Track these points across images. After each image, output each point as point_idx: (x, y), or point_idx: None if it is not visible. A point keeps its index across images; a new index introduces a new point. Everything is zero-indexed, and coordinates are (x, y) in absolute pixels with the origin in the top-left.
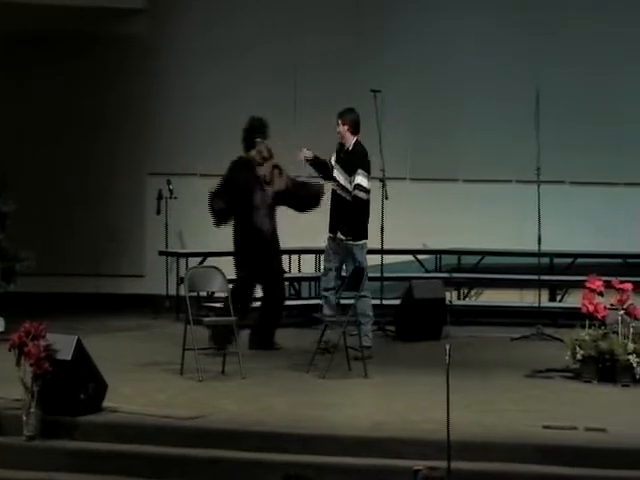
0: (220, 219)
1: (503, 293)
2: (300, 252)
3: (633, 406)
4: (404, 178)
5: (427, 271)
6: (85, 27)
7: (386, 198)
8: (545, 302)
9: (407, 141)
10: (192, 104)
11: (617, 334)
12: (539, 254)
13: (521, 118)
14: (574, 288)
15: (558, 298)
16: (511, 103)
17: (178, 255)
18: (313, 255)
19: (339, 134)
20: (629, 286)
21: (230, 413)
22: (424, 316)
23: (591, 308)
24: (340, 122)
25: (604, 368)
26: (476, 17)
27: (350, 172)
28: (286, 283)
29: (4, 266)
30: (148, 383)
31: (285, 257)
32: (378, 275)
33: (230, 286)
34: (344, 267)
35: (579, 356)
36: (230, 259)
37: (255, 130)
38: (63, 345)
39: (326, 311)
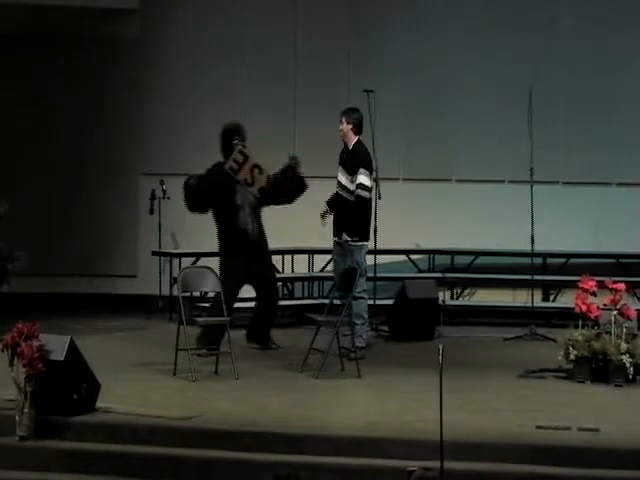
0: (192, 200)
1: (496, 293)
2: (293, 252)
3: (626, 406)
4: (397, 178)
5: (420, 271)
6: (78, 27)
7: (379, 198)
8: (538, 302)
9: (400, 141)
10: (186, 104)
11: (610, 334)
12: (532, 254)
13: (514, 118)
14: (567, 288)
15: (551, 298)
16: (504, 103)
17: (171, 255)
18: (306, 255)
19: (341, 132)
20: (622, 286)
21: (223, 413)
22: (417, 316)
23: (584, 308)
24: (344, 120)
25: (597, 368)
26: (470, 18)
27: (352, 171)
28: (279, 283)
29: None
30: (141, 383)
31: (278, 257)
32: (371, 275)
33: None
34: None
35: (572, 356)
36: None
37: (231, 133)
38: (56, 345)
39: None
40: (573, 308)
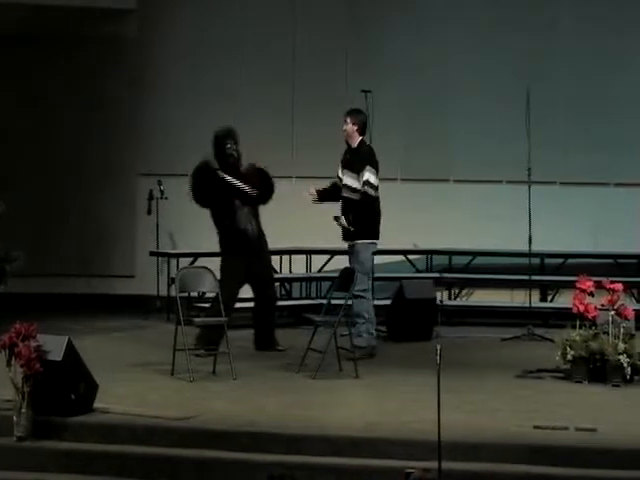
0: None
1: (494, 293)
2: (291, 252)
3: (623, 406)
4: (395, 178)
5: (418, 271)
6: (76, 28)
7: None
8: (536, 302)
9: (398, 141)
10: (184, 104)
11: (608, 334)
12: (530, 254)
13: (512, 119)
14: (565, 288)
15: (549, 298)
16: (503, 103)
17: (169, 255)
18: (304, 255)
19: (345, 132)
20: (620, 286)
21: (221, 413)
22: (415, 316)
23: (582, 308)
24: (349, 120)
25: (595, 368)
26: (469, 18)
27: (358, 170)
28: (277, 284)
29: None
30: (139, 383)
31: (276, 257)
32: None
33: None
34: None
35: (570, 356)
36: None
37: (223, 138)
38: (54, 346)
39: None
40: (571, 308)
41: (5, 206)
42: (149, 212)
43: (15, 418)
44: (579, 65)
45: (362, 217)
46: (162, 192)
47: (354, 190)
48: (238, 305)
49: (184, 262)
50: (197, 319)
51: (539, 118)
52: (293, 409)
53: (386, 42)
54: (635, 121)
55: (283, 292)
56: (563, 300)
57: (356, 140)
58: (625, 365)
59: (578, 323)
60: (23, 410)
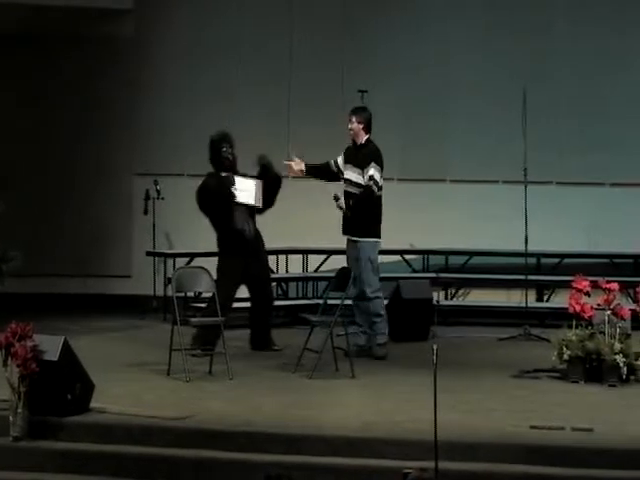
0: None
1: (490, 293)
2: (287, 252)
3: (620, 406)
4: (392, 178)
5: (414, 271)
6: (72, 28)
7: None
8: (532, 302)
9: (395, 141)
10: (181, 104)
11: (604, 334)
12: (526, 254)
13: (508, 119)
14: (561, 288)
15: (545, 298)
16: (499, 104)
17: (165, 255)
18: (300, 255)
19: (351, 130)
20: (616, 286)
21: (218, 413)
22: (411, 316)
23: (578, 308)
24: (355, 119)
25: (591, 368)
26: (465, 18)
27: (363, 166)
28: (273, 283)
29: None
30: (135, 383)
31: (272, 257)
32: None
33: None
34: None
35: (566, 356)
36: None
37: (219, 142)
38: (50, 346)
39: (359, 320)
40: (567, 308)
41: (5, 206)
42: (145, 212)
43: (11, 418)
44: (575, 66)
45: (366, 213)
46: (158, 192)
47: (357, 185)
48: (235, 305)
49: (180, 262)
50: (193, 319)
51: (535, 118)
52: (290, 409)
53: (382, 42)
54: (631, 121)
55: (279, 292)
56: (559, 300)
57: (362, 138)
58: (621, 365)
59: (574, 323)
60: (19, 410)
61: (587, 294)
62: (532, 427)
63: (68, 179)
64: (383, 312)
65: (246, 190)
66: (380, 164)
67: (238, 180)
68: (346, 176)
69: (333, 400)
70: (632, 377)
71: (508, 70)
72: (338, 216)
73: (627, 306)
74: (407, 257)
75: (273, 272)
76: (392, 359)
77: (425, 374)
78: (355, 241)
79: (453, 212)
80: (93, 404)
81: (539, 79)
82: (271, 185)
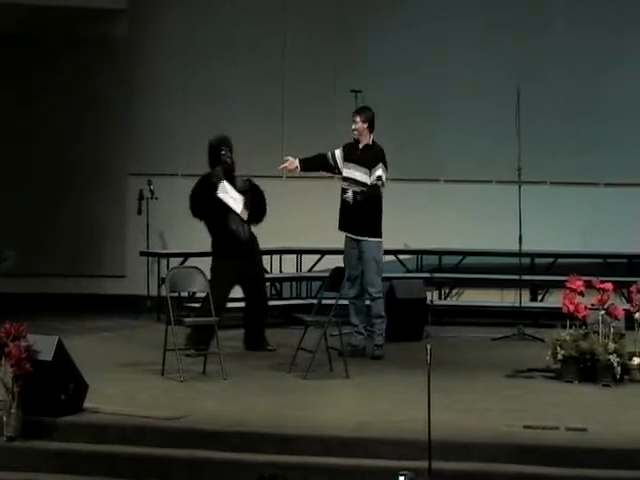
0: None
1: (484, 293)
2: (281, 252)
3: (614, 406)
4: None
5: (408, 271)
6: (66, 27)
7: None
8: (526, 302)
9: (388, 141)
10: (175, 104)
11: (598, 334)
12: (520, 254)
13: (503, 119)
14: (555, 288)
15: (539, 298)
16: (493, 104)
17: (159, 255)
18: (294, 255)
19: (356, 131)
20: (609, 286)
21: (211, 413)
22: (405, 316)
23: (572, 308)
24: (359, 119)
25: (585, 368)
26: (459, 18)
27: (371, 166)
28: (267, 283)
29: None
30: (129, 383)
31: (266, 257)
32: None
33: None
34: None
35: (560, 356)
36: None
37: (218, 146)
38: (44, 346)
39: (354, 320)
40: (561, 308)
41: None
42: (139, 212)
43: (5, 418)
44: (573, 66)
45: (371, 212)
46: (152, 192)
47: (363, 185)
48: (229, 305)
49: (174, 262)
50: (187, 319)
51: (530, 118)
52: (284, 409)
53: (375, 43)
54: (625, 121)
55: (273, 292)
56: (553, 300)
57: (367, 137)
58: (615, 365)
59: (568, 323)
60: (13, 410)
61: (581, 294)
62: (526, 427)
63: (62, 179)
64: (384, 313)
65: (235, 198)
66: (386, 165)
67: (229, 188)
68: (348, 175)
69: (327, 400)
70: (626, 377)
71: (505, 70)
72: (332, 216)
73: (621, 306)
74: (401, 257)
75: (267, 272)
76: (386, 359)
77: (419, 374)
78: (358, 240)
79: (447, 212)
80: (87, 404)
81: (536, 79)
82: (256, 202)
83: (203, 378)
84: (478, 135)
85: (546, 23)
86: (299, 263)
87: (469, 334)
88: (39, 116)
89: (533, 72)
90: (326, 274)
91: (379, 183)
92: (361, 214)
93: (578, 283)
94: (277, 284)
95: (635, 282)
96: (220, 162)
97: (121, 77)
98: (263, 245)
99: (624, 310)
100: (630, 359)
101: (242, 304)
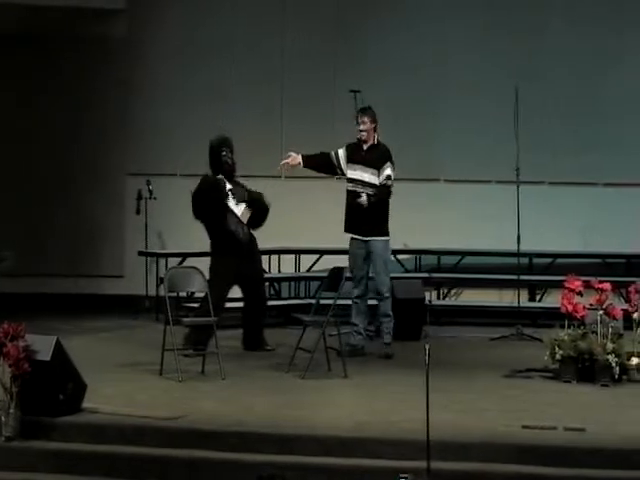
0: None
1: (482, 293)
2: (280, 252)
3: (612, 406)
4: None
5: (407, 271)
6: (65, 28)
7: None
8: (524, 302)
9: (388, 141)
10: (173, 104)
11: (596, 334)
12: (518, 254)
13: (502, 119)
14: (553, 288)
15: (537, 298)
16: (493, 104)
17: (158, 255)
18: (293, 255)
19: (365, 132)
20: (608, 286)
21: (210, 413)
22: (404, 316)
23: (570, 308)
24: (367, 120)
25: (583, 368)
26: (459, 18)
27: (378, 166)
28: (266, 283)
29: None
30: (128, 384)
31: (265, 257)
32: None
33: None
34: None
35: (558, 356)
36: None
37: (219, 147)
38: (42, 346)
39: (354, 320)
40: (559, 308)
41: None
42: (138, 212)
43: (3, 418)
44: (573, 66)
45: (380, 213)
46: (151, 192)
47: (371, 185)
48: (228, 305)
49: (173, 262)
50: (186, 319)
51: (529, 118)
52: (282, 409)
53: (375, 42)
54: (624, 121)
55: (272, 292)
56: (552, 300)
57: (374, 137)
58: (613, 365)
59: (567, 323)
60: (11, 410)
61: (579, 294)
62: (524, 427)
63: (61, 179)
64: (391, 312)
65: (237, 203)
66: (393, 163)
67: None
68: (354, 176)
69: (326, 400)
70: (624, 377)
71: (505, 70)
72: (331, 216)
73: (619, 306)
74: (400, 257)
75: (266, 272)
76: (384, 359)
77: (418, 374)
78: (366, 240)
79: (446, 212)
80: (85, 404)
81: (536, 79)
82: (258, 214)
83: (202, 378)
84: (478, 135)
85: (546, 23)
86: (298, 263)
87: (467, 334)
88: (39, 116)
89: (533, 72)
90: (325, 274)
91: (389, 182)
92: (370, 215)
93: (576, 283)
94: (276, 284)
95: (634, 282)
96: (221, 163)
97: (120, 77)
98: (262, 245)
99: (622, 310)
100: (628, 359)
101: (241, 304)
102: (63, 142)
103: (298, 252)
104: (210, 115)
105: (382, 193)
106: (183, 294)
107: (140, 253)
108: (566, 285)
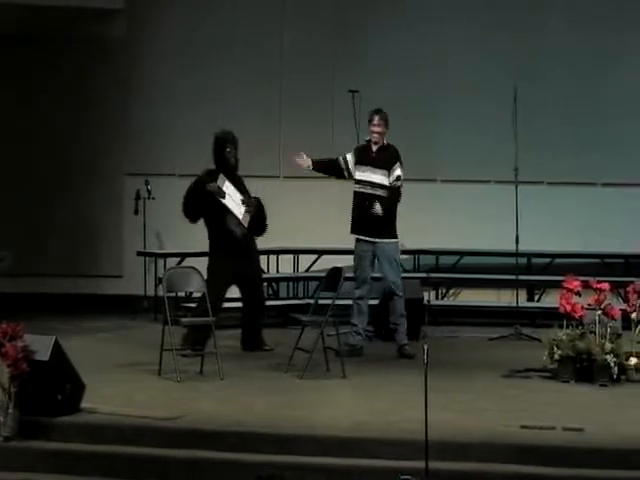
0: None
1: (481, 293)
2: (278, 252)
3: (610, 406)
4: None
5: (405, 271)
6: (65, 28)
7: None
8: (523, 302)
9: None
10: (171, 104)
11: (594, 334)
12: (517, 254)
13: (502, 119)
14: (552, 288)
15: (536, 298)
16: (492, 104)
17: (156, 255)
18: (291, 255)
19: (378, 134)
20: (606, 286)
21: (209, 413)
22: None
23: (569, 308)
24: (382, 122)
25: (582, 368)
26: (459, 18)
27: (388, 167)
28: (264, 284)
29: None
30: (126, 384)
31: (263, 257)
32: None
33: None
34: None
35: (557, 356)
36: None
37: (224, 142)
38: (41, 346)
39: (355, 320)
40: (557, 308)
41: None
42: (136, 212)
43: (2, 418)
44: (573, 66)
45: (390, 214)
46: (149, 192)
47: (381, 187)
48: (226, 305)
49: (171, 262)
50: (184, 319)
51: (529, 118)
52: (281, 409)
53: (375, 42)
54: (624, 122)
55: (270, 292)
56: (550, 300)
57: (384, 139)
58: (612, 365)
59: (565, 323)
60: (10, 410)
61: (578, 294)
62: (523, 427)
63: (59, 179)
64: (405, 312)
65: (237, 203)
66: (402, 163)
67: (233, 190)
68: (365, 178)
69: (324, 400)
70: (623, 377)
71: (505, 70)
72: (330, 216)
73: (618, 306)
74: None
75: (264, 272)
76: (382, 359)
77: (416, 374)
78: (375, 242)
79: (445, 212)
80: (84, 404)
81: (536, 79)
82: (257, 221)
83: (200, 378)
84: (476, 135)
85: (546, 23)
86: (296, 263)
87: (466, 334)
88: (39, 116)
89: (533, 72)
90: (323, 274)
91: (398, 183)
92: (380, 217)
93: (575, 283)
94: (274, 284)
95: (632, 282)
96: (224, 159)
97: (119, 77)
98: (260, 245)
99: (621, 310)
100: (627, 359)
101: (239, 304)
102: (61, 142)
103: (297, 252)
104: (209, 115)
105: (393, 196)
106: (182, 294)
107: (139, 253)
108: (564, 285)
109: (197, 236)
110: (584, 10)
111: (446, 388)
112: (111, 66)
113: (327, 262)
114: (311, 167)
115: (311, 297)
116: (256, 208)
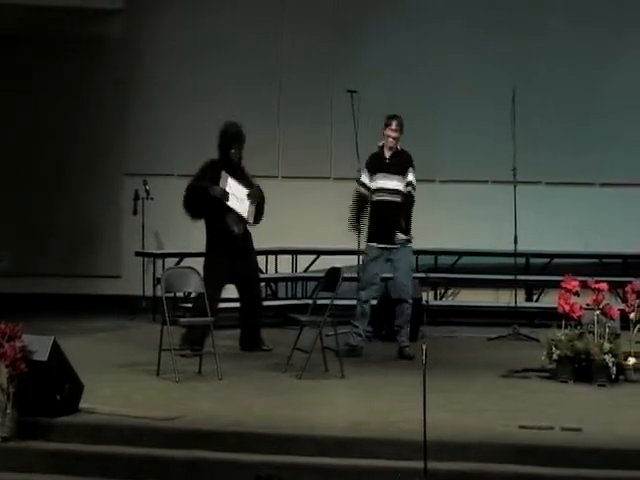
0: (194, 212)
1: (479, 293)
2: (277, 252)
3: (609, 406)
4: None
5: None
6: (62, 27)
7: None
8: (521, 302)
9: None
10: (170, 104)
11: (593, 334)
12: (515, 254)
13: (502, 119)
14: (550, 288)
15: (534, 298)
16: (492, 104)
17: (155, 256)
18: (290, 255)
19: (395, 139)
20: (605, 286)
21: (207, 414)
22: None
23: (567, 308)
24: (399, 128)
25: (580, 368)
26: (459, 18)
27: (402, 172)
28: (262, 284)
29: None
30: (125, 384)
31: (262, 257)
32: (355, 275)
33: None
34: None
35: (555, 356)
36: None
37: (231, 140)
38: (39, 346)
39: (356, 322)
40: (556, 308)
41: None
42: (135, 212)
43: (0, 419)
44: (572, 66)
45: (408, 220)
46: (148, 192)
47: (396, 192)
48: (224, 305)
49: (170, 262)
50: (183, 319)
51: (529, 118)
52: (280, 409)
53: (375, 43)
54: (622, 122)
55: (269, 292)
56: (548, 300)
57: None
58: (610, 365)
59: (563, 323)
60: (8, 410)
61: (576, 294)
62: (521, 427)
63: (58, 179)
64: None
65: (241, 200)
66: (414, 169)
67: (237, 188)
68: (381, 186)
69: (323, 400)
70: (621, 377)
71: (505, 70)
72: (329, 216)
73: (616, 306)
74: None
75: (262, 272)
76: (381, 359)
77: (415, 374)
78: (390, 248)
79: (443, 212)
80: (82, 404)
81: (535, 79)
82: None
83: (199, 378)
84: (474, 135)
85: (545, 23)
86: (295, 263)
87: (464, 334)
88: (33, 116)
89: (532, 72)
90: (322, 274)
91: (409, 189)
92: (397, 223)
93: (573, 283)
94: (273, 284)
95: (630, 282)
96: (227, 156)
97: (118, 77)
98: (258, 245)
99: (619, 310)
100: (625, 359)
101: (237, 304)
102: (60, 142)
103: (295, 252)
104: (208, 115)
105: (408, 201)
106: (180, 294)
107: (137, 253)
108: (563, 285)
109: (195, 236)
110: (584, 10)
111: (445, 388)
112: (110, 66)
113: (325, 262)
114: (358, 229)
115: (309, 297)
116: (260, 198)
